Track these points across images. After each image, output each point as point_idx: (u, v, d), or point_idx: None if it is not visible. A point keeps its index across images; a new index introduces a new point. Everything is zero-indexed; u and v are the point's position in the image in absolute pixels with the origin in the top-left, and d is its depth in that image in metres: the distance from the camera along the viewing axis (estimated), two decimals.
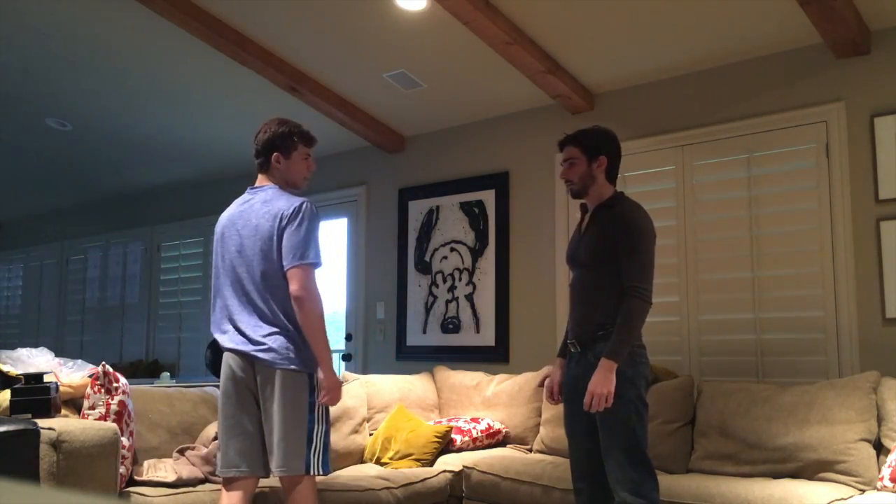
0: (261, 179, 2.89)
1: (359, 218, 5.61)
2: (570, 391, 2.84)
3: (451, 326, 4.97)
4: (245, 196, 2.88)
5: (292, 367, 2.65)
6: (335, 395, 2.69)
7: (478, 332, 4.84)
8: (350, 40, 4.26)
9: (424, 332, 5.10)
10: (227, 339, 2.73)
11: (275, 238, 2.69)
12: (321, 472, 2.69)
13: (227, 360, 2.74)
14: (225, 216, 2.88)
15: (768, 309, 3.75)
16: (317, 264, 2.69)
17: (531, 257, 4.65)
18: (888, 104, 3.52)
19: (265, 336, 2.67)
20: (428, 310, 5.10)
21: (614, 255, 2.73)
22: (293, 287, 2.64)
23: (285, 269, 2.66)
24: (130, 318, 7.25)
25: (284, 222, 2.69)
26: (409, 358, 5.12)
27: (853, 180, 3.57)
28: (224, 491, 2.72)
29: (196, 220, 6.76)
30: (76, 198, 7.85)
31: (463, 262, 4.97)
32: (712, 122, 4.01)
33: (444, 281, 5.04)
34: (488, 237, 4.86)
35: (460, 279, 4.97)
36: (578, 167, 2.87)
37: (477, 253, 4.91)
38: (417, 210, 5.25)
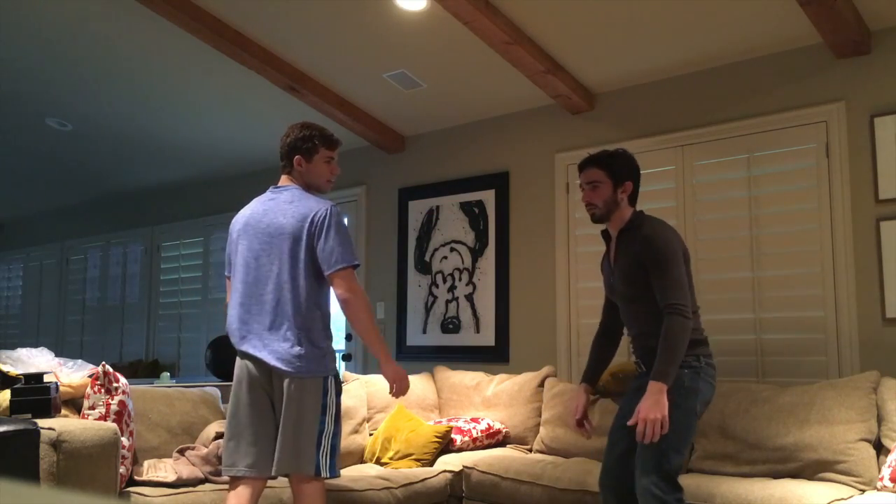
0: (284, 180, 2.88)
1: (359, 218, 5.61)
2: (633, 400, 2.73)
3: (451, 326, 4.97)
4: (268, 195, 2.86)
5: (307, 374, 2.65)
6: (402, 386, 2.82)
7: (478, 332, 4.84)
8: (350, 40, 4.26)
9: (424, 332, 5.10)
10: (244, 342, 2.72)
11: (304, 240, 2.70)
12: (329, 475, 2.67)
13: (244, 359, 2.74)
14: (245, 215, 2.86)
15: (768, 309, 3.75)
16: (356, 265, 2.73)
17: (531, 257, 4.65)
18: (888, 104, 3.52)
19: (281, 342, 2.66)
20: (428, 310, 5.10)
21: (647, 280, 2.67)
22: (338, 291, 2.69)
23: (326, 273, 2.69)
24: (130, 318, 7.25)
25: (314, 227, 2.69)
26: (409, 358, 5.12)
27: (853, 180, 3.57)
28: (231, 490, 2.70)
29: (196, 220, 6.76)
30: (76, 198, 7.85)
31: (463, 262, 4.97)
32: (712, 122, 4.01)
33: (444, 281, 5.04)
34: (488, 237, 4.86)
35: (460, 279, 4.96)
36: (603, 191, 2.79)
37: (477, 253, 4.91)
38: (417, 210, 5.25)
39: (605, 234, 2.93)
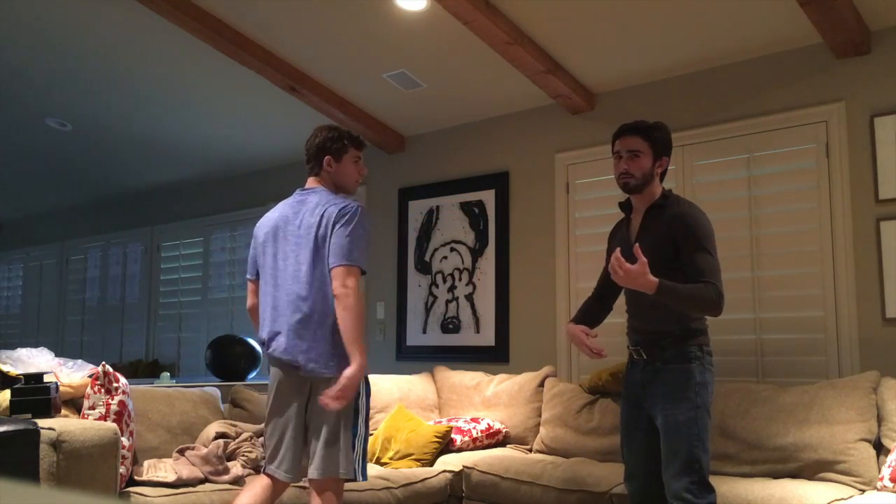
0: (311, 182, 2.88)
1: None
2: (636, 393, 2.71)
3: (451, 326, 4.97)
4: (296, 197, 2.86)
5: (338, 374, 2.64)
6: (344, 395, 2.56)
7: (478, 332, 4.84)
8: (350, 40, 4.26)
9: (424, 332, 5.10)
10: (275, 343, 2.73)
11: (328, 239, 2.68)
12: (362, 479, 2.70)
13: (276, 363, 2.76)
14: (273, 217, 2.86)
15: (768, 309, 3.75)
16: (361, 268, 2.66)
17: (531, 257, 4.65)
18: (888, 104, 3.52)
19: (311, 343, 2.66)
20: (428, 310, 5.10)
21: (674, 259, 2.57)
22: (335, 285, 2.62)
23: (330, 267, 2.64)
24: (130, 318, 7.25)
25: (336, 224, 2.68)
26: (409, 358, 5.12)
27: (853, 180, 3.57)
28: (261, 475, 2.78)
29: (196, 220, 6.76)
30: (76, 198, 7.85)
31: (463, 262, 4.97)
32: (712, 122, 4.01)
33: (444, 281, 5.04)
34: (488, 237, 4.86)
35: (460, 279, 4.96)
36: (643, 162, 2.68)
37: (477, 253, 4.91)
38: (417, 210, 5.25)
39: (626, 206, 2.82)
